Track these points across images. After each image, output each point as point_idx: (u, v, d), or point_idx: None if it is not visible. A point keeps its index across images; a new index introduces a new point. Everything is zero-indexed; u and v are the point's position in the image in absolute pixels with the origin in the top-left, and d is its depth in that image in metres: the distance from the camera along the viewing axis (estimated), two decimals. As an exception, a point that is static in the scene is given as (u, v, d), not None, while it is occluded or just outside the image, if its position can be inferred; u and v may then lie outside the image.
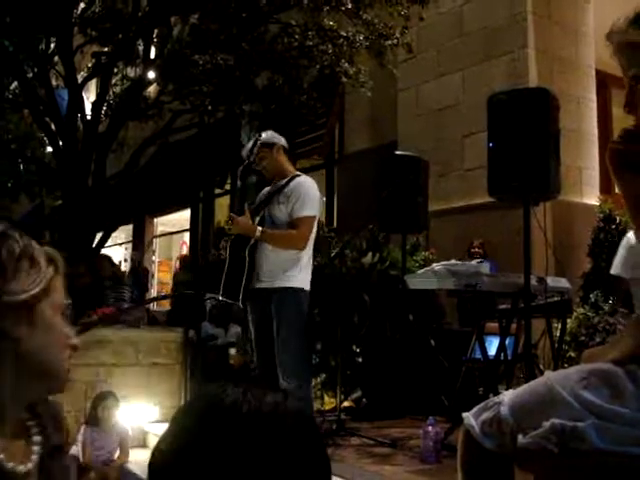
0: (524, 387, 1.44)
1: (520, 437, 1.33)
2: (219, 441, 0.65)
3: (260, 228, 3.54)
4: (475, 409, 1.44)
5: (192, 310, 6.44)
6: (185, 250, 14.27)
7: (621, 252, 4.73)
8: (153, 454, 0.69)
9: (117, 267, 8.26)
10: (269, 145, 3.71)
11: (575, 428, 1.26)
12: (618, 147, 1.38)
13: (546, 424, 1.29)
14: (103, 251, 8.76)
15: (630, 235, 4.82)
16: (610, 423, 1.25)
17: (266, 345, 3.64)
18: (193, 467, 0.65)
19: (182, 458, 0.66)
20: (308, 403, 3.70)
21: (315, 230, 3.68)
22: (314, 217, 3.65)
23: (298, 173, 3.83)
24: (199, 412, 0.69)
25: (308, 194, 3.64)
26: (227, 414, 0.67)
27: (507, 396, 1.41)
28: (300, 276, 3.57)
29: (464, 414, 1.46)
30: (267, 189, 3.85)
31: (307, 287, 3.60)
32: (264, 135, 3.75)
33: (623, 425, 1.24)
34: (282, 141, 3.81)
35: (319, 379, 5.41)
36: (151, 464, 0.69)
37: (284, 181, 3.73)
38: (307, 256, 3.64)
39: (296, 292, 3.55)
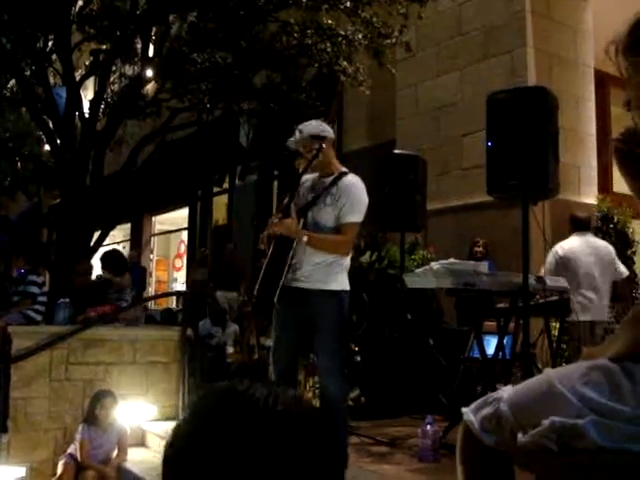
0: (524, 384, 1.43)
1: (520, 435, 1.32)
2: (235, 436, 0.65)
3: (307, 232, 3.38)
4: (474, 405, 1.43)
5: (193, 308, 6.42)
6: (183, 249, 14.25)
7: (550, 262, 4.75)
8: (172, 436, 0.70)
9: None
10: (320, 138, 3.48)
11: (575, 425, 1.25)
12: (622, 147, 1.37)
13: (545, 422, 1.28)
14: (101, 250, 8.73)
15: (557, 247, 4.84)
16: (610, 420, 1.25)
17: (293, 345, 3.53)
18: (208, 457, 0.65)
19: (198, 447, 0.66)
20: (345, 405, 3.67)
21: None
22: (359, 223, 3.51)
23: (345, 170, 3.60)
24: (216, 406, 0.69)
25: (359, 198, 3.47)
26: (245, 408, 0.67)
27: (507, 392, 1.40)
28: (340, 278, 3.47)
29: (463, 409, 1.45)
30: (308, 184, 3.62)
31: (347, 287, 3.51)
32: (315, 127, 3.54)
33: (623, 422, 1.24)
34: (332, 134, 3.63)
35: (316, 378, 5.40)
36: (169, 446, 0.69)
37: (330, 179, 3.53)
38: (348, 259, 3.54)
39: (339, 294, 3.45)
